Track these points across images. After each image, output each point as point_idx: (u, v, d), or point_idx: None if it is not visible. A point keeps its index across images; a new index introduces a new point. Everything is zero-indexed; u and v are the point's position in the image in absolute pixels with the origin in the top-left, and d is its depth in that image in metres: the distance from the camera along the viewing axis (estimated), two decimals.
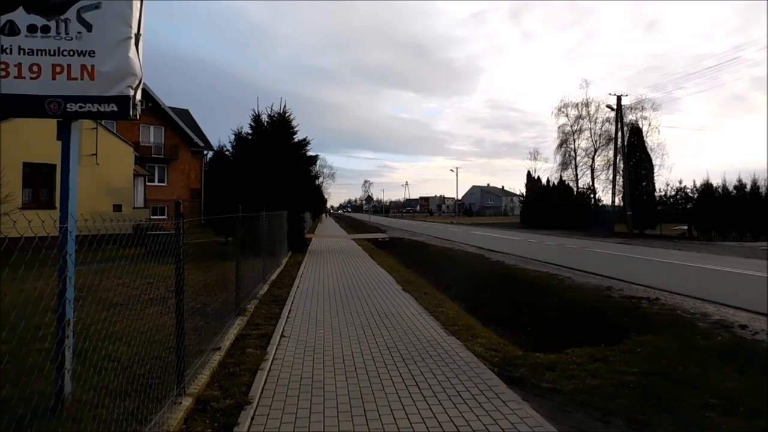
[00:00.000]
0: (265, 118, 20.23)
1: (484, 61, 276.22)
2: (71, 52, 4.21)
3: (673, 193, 38.31)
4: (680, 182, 37.94)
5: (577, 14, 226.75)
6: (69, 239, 3.74)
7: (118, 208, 22.96)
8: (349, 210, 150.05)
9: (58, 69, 4.18)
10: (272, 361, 5.87)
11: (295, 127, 20.56)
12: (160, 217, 32.99)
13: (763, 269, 13.87)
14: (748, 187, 33.48)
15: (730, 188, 34.17)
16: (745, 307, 8.45)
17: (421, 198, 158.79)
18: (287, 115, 20.42)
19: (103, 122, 22.56)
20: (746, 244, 25.08)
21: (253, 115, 20.26)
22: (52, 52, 4.18)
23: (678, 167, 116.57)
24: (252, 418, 4.26)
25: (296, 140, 20.58)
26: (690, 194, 36.89)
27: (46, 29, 4.18)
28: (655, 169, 39.35)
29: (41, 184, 20.11)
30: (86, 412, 3.73)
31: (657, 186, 38.86)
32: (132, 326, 4.57)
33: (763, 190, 32.94)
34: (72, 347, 3.94)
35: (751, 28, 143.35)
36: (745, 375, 5.28)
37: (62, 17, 4.22)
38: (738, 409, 4.43)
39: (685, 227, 36.32)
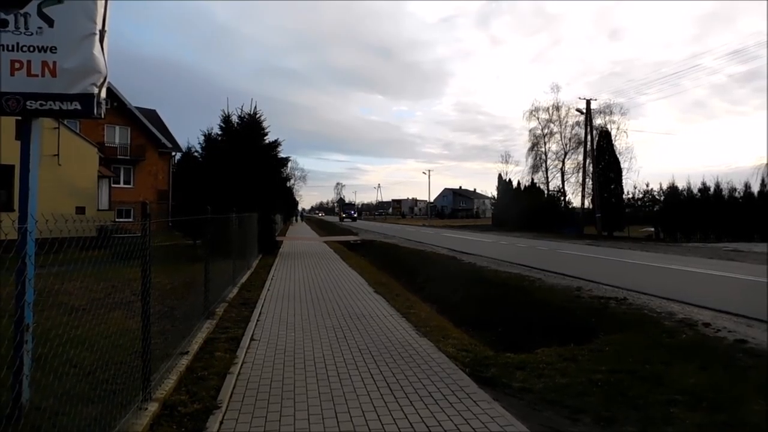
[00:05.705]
0: (235, 118, 19.94)
1: (452, 64, 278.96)
2: (31, 48, 4.06)
3: (640, 195, 39.54)
4: (647, 185, 39.24)
5: (544, 21, 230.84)
6: (29, 240, 3.61)
7: (81, 210, 22.27)
8: (353, 213, 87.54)
9: (17, 65, 4.03)
10: (242, 365, 5.78)
11: (266, 128, 20.37)
12: (126, 219, 32.20)
13: (724, 269, 14.31)
14: (712, 190, 34.58)
15: (695, 191, 35.24)
16: (708, 305, 8.70)
17: (393, 200, 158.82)
18: (258, 116, 20.18)
19: (65, 121, 21.94)
20: (710, 245, 25.82)
21: (222, 115, 19.93)
22: (10, 48, 4.02)
23: (645, 170, 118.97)
24: (221, 423, 4.17)
25: (267, 141, 20.35)
26: (656, 197, 38.06)
27: (3, 23, 4.03)
28: (623, 172, 40.46)
29: None
30: (46, 419, 3.60)
31: (625, 188, 40.03)
32: (95, 330, 4.42)
33: (725, 192, 34.07)
34: (31, 352, 3.80)
35: (707, 37, 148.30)
36: (708, 371, 5.42)
37: (21, 11, 4.08)
38: (701, 404, 4.54)
39: (652, 229, 37.28)
